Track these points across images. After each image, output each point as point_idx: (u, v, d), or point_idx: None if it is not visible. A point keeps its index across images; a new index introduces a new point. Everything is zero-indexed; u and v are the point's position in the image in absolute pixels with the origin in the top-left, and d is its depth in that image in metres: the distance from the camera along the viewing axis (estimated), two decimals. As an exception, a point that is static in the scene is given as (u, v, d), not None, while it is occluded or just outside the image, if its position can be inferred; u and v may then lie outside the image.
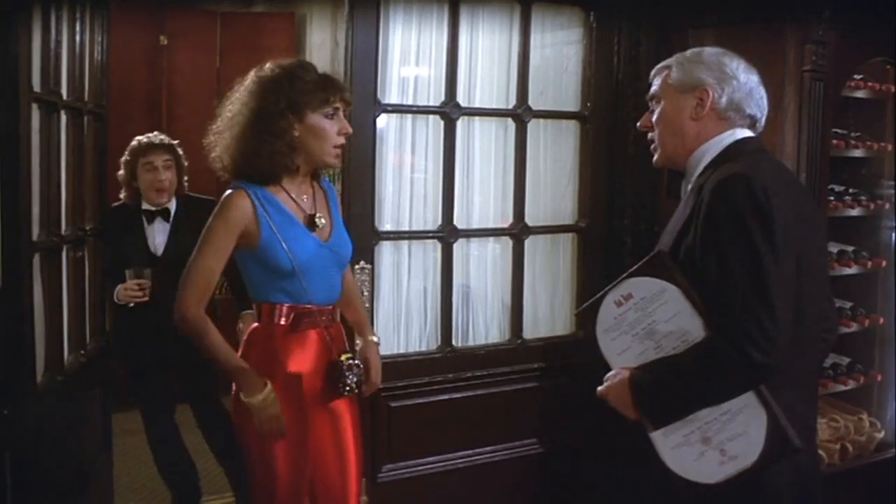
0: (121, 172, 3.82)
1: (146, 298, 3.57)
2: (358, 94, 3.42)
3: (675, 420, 2.00)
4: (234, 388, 2.57)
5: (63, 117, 3.28)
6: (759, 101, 2.20)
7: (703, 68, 2.18)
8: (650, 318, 2.04)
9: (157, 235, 3.80)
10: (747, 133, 2.18)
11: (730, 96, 2.16)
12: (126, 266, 3.62)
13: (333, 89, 2.53)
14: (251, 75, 2.56)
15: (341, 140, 2.55)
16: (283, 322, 2.53)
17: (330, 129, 2.52)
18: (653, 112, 2.28)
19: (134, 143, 3.83)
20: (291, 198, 2.56)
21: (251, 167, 2.49)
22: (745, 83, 2.18)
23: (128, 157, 3.79)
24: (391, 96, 3.64)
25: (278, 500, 2.55)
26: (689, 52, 2.26)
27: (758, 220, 1.91)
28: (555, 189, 4.10)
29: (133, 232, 3.78)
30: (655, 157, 2.30)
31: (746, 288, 1.89)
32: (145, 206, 3.81)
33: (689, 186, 2.18)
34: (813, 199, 2.60)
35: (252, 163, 2.48)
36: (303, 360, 2.55)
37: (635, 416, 2.06)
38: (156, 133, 3.93)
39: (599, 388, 2.13)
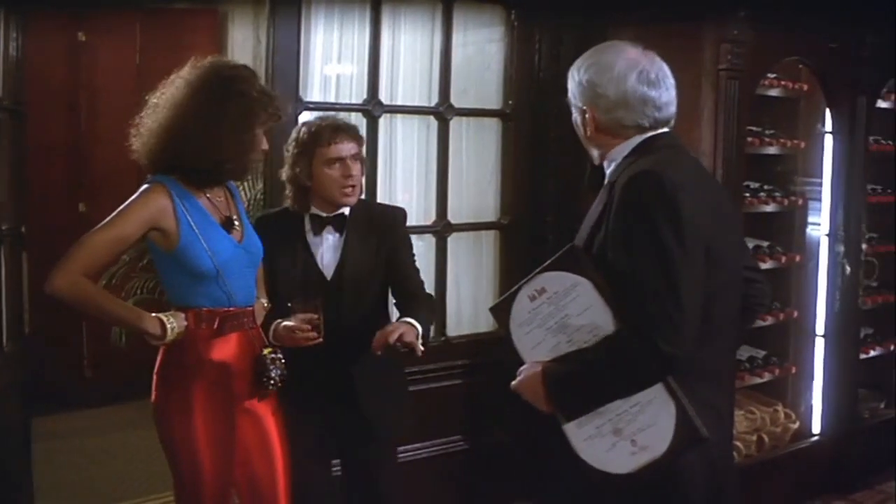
0: (287, 169, 2.90)
1: (320, 339, 2.71)
2: (280, 91, 3.35)
3: (587, 412, 2.02)
4: (153, 396, 2.54)
5: (-24, 115, 3.20)
6: (643, 109, 2.09)
7: (581, 90, 2.14)
8: (563, 312, 2.05)
9: (327, 252, 2.94)
10: (656, 132, 2.15)
11: (607, 115, 2.11)
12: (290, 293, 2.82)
13: (275, 105, 2.56)
14: (205, 66, 2.49)
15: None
16: (205, 326, 2.50)
17: (262, 139, 2.55)
18: None
19: (304, 126, 2.91)
20: (208, 198, 2.54)
21: (202, 163, 2.45)
22: (620, 96, 2.08)
23: (302, 147, 2.86)
24: (313, 94, 3.64)
25: (205, 500, 2.52)
26: (578, 62, 2.17)
27: (665, 214, 1.93)
28: (478, 187, 4.13)
29: (296, 246, 2.93)
30: None
31: (654, 280, 1.91)
32: (315, 210, 2.91)
33: (605, 182, 2.20)
34: (726, 193, 2.62)
35: (206, 159, 2.44)
36: (227, 360, 2.52)
37: (548, 408, 2.07)
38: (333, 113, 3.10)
39: (513, 382, 2.14)
